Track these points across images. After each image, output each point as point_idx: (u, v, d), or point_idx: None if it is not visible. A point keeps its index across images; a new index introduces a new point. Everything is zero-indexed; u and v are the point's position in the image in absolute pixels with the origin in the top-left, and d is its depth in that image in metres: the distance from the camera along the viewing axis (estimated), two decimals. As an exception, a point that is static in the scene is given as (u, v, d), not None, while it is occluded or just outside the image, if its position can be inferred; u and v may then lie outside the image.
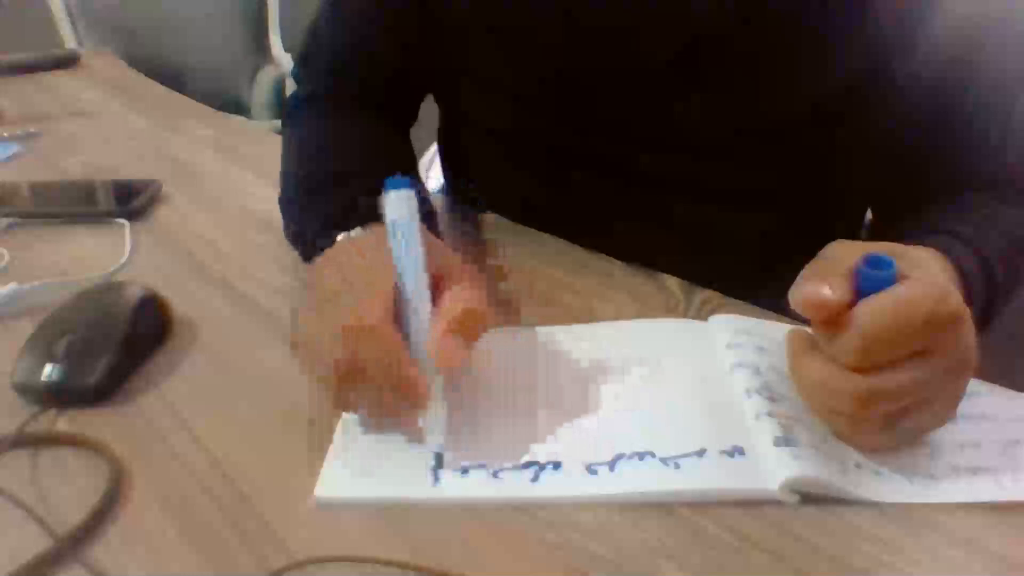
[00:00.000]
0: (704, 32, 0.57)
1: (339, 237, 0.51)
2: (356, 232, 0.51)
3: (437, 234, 0.60)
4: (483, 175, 0.77)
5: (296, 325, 0.47)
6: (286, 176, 0.66)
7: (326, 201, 0.58)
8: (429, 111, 0.79)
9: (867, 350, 0.37)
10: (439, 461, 0.42)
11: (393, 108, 0.74)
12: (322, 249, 0.50)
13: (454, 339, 0.42)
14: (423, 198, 0.64)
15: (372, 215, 0.48)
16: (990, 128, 0.57)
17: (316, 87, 0.73)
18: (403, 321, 0.43)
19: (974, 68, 0.56)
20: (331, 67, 0.72)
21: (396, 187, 0.44)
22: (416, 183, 0.64)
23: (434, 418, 0.42)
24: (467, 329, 0.42)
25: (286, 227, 0.65)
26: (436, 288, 0.44)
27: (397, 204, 0.44)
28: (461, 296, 0.43)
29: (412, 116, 0.76)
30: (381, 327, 0.41)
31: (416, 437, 0.42)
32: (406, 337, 0.43)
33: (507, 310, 0.56)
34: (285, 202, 0.65)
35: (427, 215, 0.60)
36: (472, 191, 0.76)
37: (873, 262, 0.38)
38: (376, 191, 0.45)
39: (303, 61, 0.75)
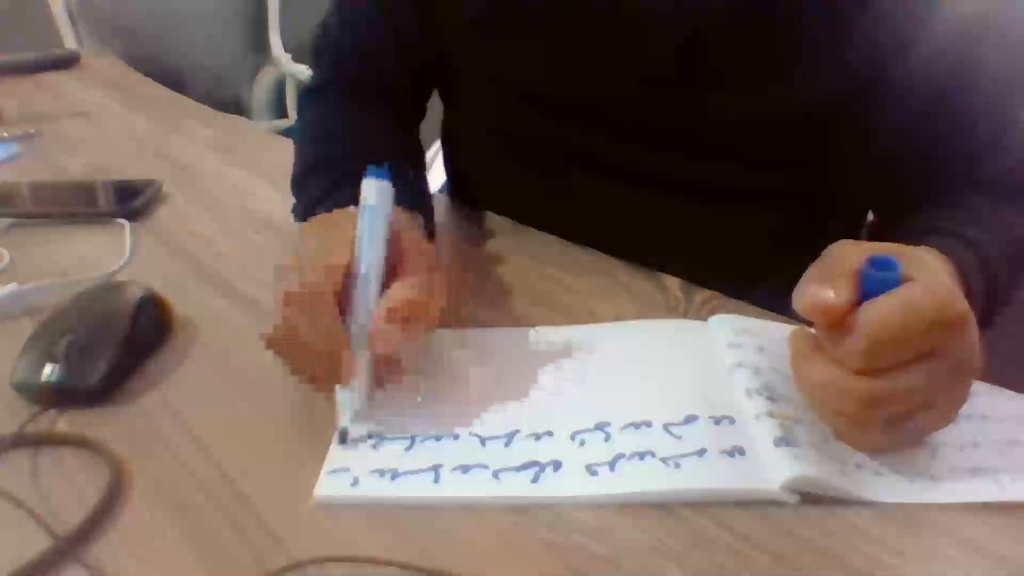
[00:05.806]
0: (706, 31, 0.57)
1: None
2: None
3: (432, 230, 0.60)
4: (485, 174, 0.77)
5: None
6: (295, 162, 0.68)
7: (315, 184, 0.61)
8: (434, 108, 0.79)
9: (872, 353, 0.36)
10: (342, 437, 0.43)
11: (398, 102, 0.74)
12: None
13: (392, 326, 0.43)
14: (423, 191, 0.65)
15: (353, 199, 0.49)
16: (991, 130, 0.57)
17: (324, 78, 0.75)
18: (350, 298, 0.45)
19: (975, 69, 0.56)
20: (336, 61, 0.75)
21: (374, 174, 0.46)
22: (418, 176, 0.65)
23: (350, 396, 0.43)
24: (407, 319, 0.44)
25: (292, 209, 0.66)
26: (395, 277, 0.46)
27: (371, 190, 0.46)
28: (410, 287, 0.45)
29: (419, 110, 0.77)
30: (319, 296, 0.43)
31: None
32: (350, 313, 0.44)
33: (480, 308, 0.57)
34: (292, 185, 0.67)
35: (425, 209, 0.60)
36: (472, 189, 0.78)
37: (877, 263, 0.38)
38: (359, 176, 0.47)
39: (314, 52, 0.77)
